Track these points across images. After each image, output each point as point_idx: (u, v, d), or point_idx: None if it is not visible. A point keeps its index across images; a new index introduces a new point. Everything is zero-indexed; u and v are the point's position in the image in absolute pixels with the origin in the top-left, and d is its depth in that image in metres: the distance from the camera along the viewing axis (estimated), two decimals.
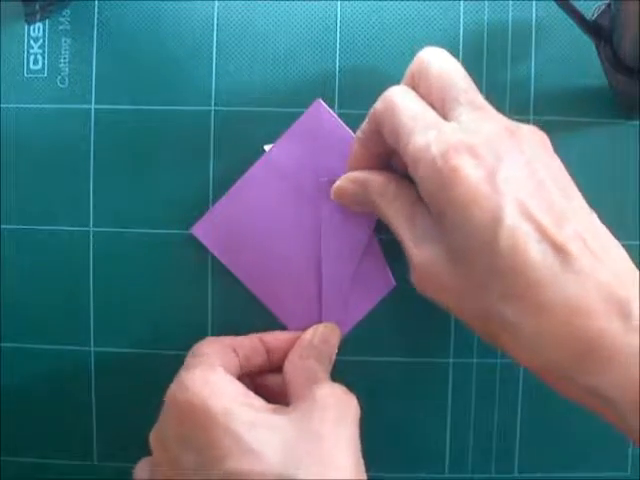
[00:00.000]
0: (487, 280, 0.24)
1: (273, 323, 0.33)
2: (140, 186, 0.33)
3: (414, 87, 0.28)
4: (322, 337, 0.31)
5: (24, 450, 0.34)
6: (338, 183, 0.30)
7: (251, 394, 0.28)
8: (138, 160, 0.33)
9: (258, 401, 0.27)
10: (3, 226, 0.33)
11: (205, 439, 0.25)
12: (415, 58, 0.28)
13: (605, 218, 0.33)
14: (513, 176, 0.24)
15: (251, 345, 0.31)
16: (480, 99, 0.27)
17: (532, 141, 0.26)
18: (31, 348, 0.34)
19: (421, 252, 0.26)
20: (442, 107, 0.27)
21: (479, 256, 0.24)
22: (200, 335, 0.31)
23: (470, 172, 0.24)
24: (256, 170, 0.32)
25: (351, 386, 0.32)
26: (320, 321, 0.32)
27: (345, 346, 0.32)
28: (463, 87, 0.27)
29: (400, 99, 0.27)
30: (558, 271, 0.23)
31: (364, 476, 0.26)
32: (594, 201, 0.33)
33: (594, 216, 0.25)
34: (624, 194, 0.33)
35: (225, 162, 0.33)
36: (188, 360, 0.29)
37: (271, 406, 0.27)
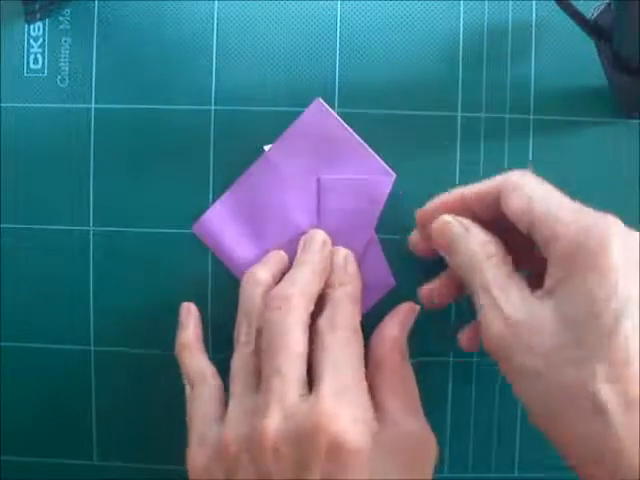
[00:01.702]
0: (592, 354, 0.23)
1: None
2: (140, 186, 0.33)
3: (489, 199, 0.28)
4: (411, 320, 0.31)
5: (24, 450, 0.34)
6: (446, 217, 0.29)
7: (373, 422, 0.27)
8: (138, 160, 0.33)
9: (375, 426, 0.27)
10: (3, 226, 0.33)
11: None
12: (502, 181, 0.28)
13: None
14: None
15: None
16: None
17: None
18: (31, 348, 0.34)
19: (515, 312, 0.25)
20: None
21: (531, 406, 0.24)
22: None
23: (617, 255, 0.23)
24: (256, 169, 0.32)
25: None
26: None
27: None
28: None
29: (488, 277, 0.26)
30: (589, 416, 0.22)
31: None
32: (594, 201, 0.33)
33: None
34: (624, 194, 0.33)
35: (225, 162, 0.33)
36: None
37: (378, 433, 0.27)
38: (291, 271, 0.30)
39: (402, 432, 0.27)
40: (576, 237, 0.24)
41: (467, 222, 0.28)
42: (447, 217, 0.29)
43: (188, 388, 0.30)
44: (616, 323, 0.23)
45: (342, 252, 0.31)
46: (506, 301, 0.25)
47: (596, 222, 0.25)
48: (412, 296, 0.31)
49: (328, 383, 0.26)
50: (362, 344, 0.29)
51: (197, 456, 0.28)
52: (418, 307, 0.31)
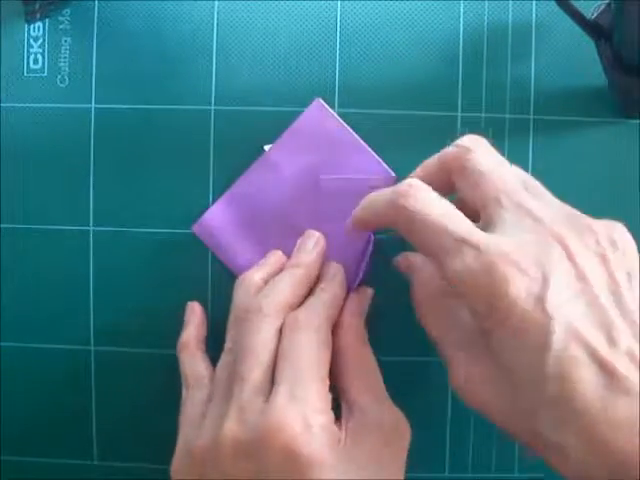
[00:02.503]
0: (537, 406, 0.23)
1: None
2: (140, 186, 0.33)
3: (443, 175, 0.27)
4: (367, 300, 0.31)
5: (24, 450, 0.34)
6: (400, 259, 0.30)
7: (330, 426, 0.27)
8: (138, 160, 0.33)
9: (334, 431, 0.27)
10: (3, 226, 0.33)
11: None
12: (454, 148, 0.27)
13: (605, 218, 0.33)
14: (563, 296, 0.23)
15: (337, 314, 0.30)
16: (529, 201, 0.25)
17: (597, 238, 0.24)
18: (31, 348, 0.34)
19: (462, 363, 0.26)
20: (481, 207, 0.26)
21: (528, 382, 0.23)
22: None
23: (518, 296, 0.23)
24: (256, 169, 0.33)
25: None
26: None
27: None
28: (507, 185, 0.25)
29: (418, 207, 0.25)
30: (607, 395, 0.22)
31: None
32: (594, 201, 0.33)
33: None
34: (624, 194, 0.33)
35: (225, 162, 0.33)
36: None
37: (338, 432, 0.27)
38: (275, 277, 0.30)
39: (370, 420, 0.27)
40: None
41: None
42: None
43: (184, 390, 0.30)
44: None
45: (334, 266, 0.31)
46: (457, 364, 0.26)
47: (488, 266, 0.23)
48: (410, 298, 0.31)
49: (283, 388, 0.26)
50: (328, 347, 0.28)
51: (176, 460, 0.28)
52: (370, 291, 0.31)
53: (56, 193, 0.33)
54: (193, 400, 0.29)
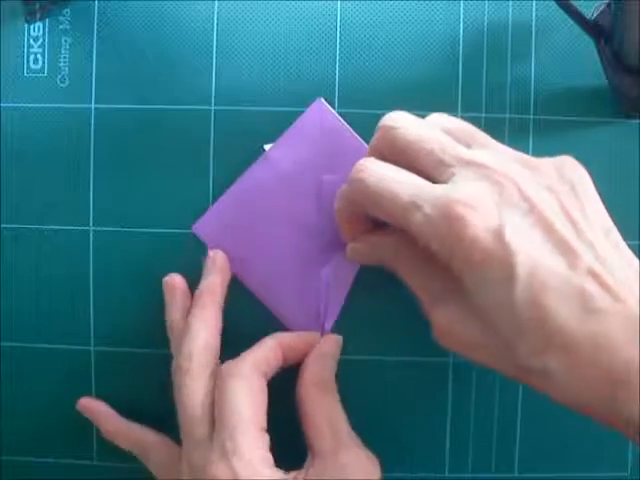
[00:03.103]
0: (512, 336, 0.24)
1: (272, 322, 0.33)
2: (140, 186, 0.33)
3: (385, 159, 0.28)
4: (334, 353, 0.31)
5: (24, 450, 0.34)
6: (352, 245, 0.30)
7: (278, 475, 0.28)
8: (138, 160, 0.33)
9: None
10: (3, 226, 0.33)
11: None
12: (376, 131, 0.28)
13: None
14: (519, 228, 0.24)
15: (275, 358, 0.30)
16: (463, 151, 0.26)
17: (545, 174, 0.25)
18: (31, 348, 0.34)
19: (443, 315, 0.26)
20: (427, 175, 0.26)
21: (501, 314, 0.24)
22: None
23: (476, 235, 0.24)
24: (257, 168, 0.33)
25: (351, 386, 0.32)
26: (319, 320, 0.32)
27: (345, 346, 0.32)
28: (443, 146, 0.26)
29: (371, 177, 0.27)
30: (579, 313, 0.23)
31: None
32: None
33: (612, 238, 0.25)
34: (624, 194, 0.33)
35: (225, 162, 0.33)
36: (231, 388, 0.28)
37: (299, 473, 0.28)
38: (188, 320, 0.31)
39: (331, 466, 0.28)
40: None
41: (366, 237, 0.30)
42: (351, 245, 0.30)
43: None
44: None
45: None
46: (434, 307, 0.27)
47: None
48: (412, 296, 0.31)
49: (216, 443, 0.27)
50: (261, 391, 0.29)
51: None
52: (337, 338, 0.32)
53: (56, 193, 0.33)
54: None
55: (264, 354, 0.30)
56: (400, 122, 0.27)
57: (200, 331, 0.30)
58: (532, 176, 0.25)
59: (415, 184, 0.26)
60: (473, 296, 0.25)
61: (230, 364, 0.29)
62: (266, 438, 0.28)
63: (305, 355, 0.31)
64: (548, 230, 0.24)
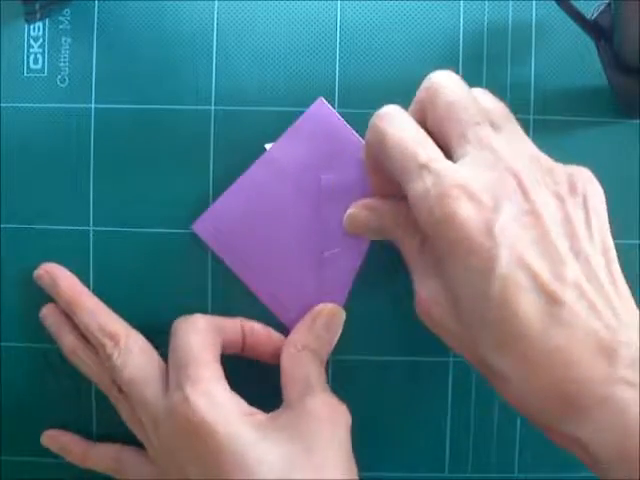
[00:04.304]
0: (480, 329, 0.24)
1: (272, 322, 0.33)
2: (140, 186, 0.33)
3: (421, 114, 0.27)
4: (324, 322, 0.31)
5: (24, 450, 0.34)
6: (351, 210, 0.30)
7: (251, 409, 0.29)
8: (138, 160, 0.33)
9: (255, 415, 0.28)
10: (3, 226, 0.33)
11: (210, 458, 0.27)
12: (424, 82, 0.28)
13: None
14: (512, 225, 0.23)
15: (233, 331, 0.31)
16: (486, 133, 0.25)
17: (558, 180, 0.25)
18: (31, 348, 0.34)
19: (425, 289, 0.26)
20: (449, 141, 0.26)
21: (473, 304, 0.24)
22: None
23: (466, 221, 0.23)
24: (257, 168, 0.32)
25: (351, 386, 0.32)
26: None
27: (345, 346, 0.32)
28: (473, 120, 0.26)
29: (391, 128, 0.27)
30: (547, 322, 0.22)
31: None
32: None
33: (609, 257, 0.25)
34: (624, 194, 0.33)
35: (225, 162, 0.33)
36: (180, 349, 0.29)
37: (266, 418, 0.28)
38: None
39: (297, 413, 0.28)
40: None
41: (367, 202, 0.30)
42: (350, 211, 0.30)
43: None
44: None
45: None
46: (419, 282, 0.27)
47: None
48: (412, 296, 0.31)
49: (170, 383, 0.29)
50: (211, 336, 0.30)
51: None
52: (336, 310, 0.32)
53: (56, 193, 0.33)
54: None
55: (222, 320, 0.31)
56: (448, 83, 0.27)
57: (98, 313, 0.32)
58: (543, 178, 0.25)
59: (429, 151, 0.26)
60: (451, 279, 0.25)
61: (182, 317, 0.30)
62: (220, 369, 0.29)
63: (268, 350, 0.32)
64: (542, 234, 0.23)
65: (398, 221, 0.28)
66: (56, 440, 0.33)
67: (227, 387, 0.29)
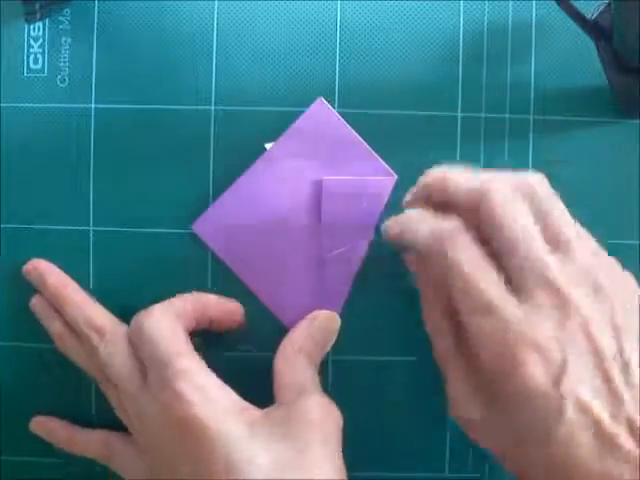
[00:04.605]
0: (536, 459, 0.25)
1: (272, 322, 0.33)
2: (140, 186, 0.33)
3: (468, 215, 0.27)
4: (320, 326, 0.32)
5: (24, 450, 0.34)
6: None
7: (244, 404, 0.29)
8: (138, 160, 0.33)
9: (248, 410, 0.28)
10: (3, 226, 0.33)
11: (200, 455, 0.27)
12: (483, 194, 0.26)
13: (605, 218, 0.33)
14: (579, 374, 0.24)
15: (189, 306, 0.31)
16: (545, 263, 0.25)
17: (614, 307, 0.25)
18: (31, 348, 0.34)
19: (470, 412, 0.27)
20: (510, 272, 0.26)
21: (533, 441, 0.24)
22: (200, 333, 0.31)
23: (535, 372, 0.24)
24: (257, 168, 0.32)
25: (351, 386, 0.32)
26: None
27: (345, 346, 0.32)
28: (534, 254, 0.25)
29: (457, 257, 0.26)
30: (605, 460, 0.23)
31: None
32: (594, 201, 0.33)
33: None
34: (624, 194, 0.33)
35: (225, 162, 0.33)
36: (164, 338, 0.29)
37: (258, 415, 0.28)
38: None
39: (292, 411, 0.28)
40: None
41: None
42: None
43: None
44: None
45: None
46: (465, 402, 0.27)
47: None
48: (412, 296, 0.31)
49: (149, 375, 0.29)
50: (173, 321, 0.30)
51: None
52: (332, 315, 0.32)
53: (56, 193, 0.33)
54: None
55: (172, 301, 0.31)
56: (510, 206, 0.26)
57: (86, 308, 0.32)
58: (601, 311, 0.25)
59: (493, 288, 0.25)
60: (510, 415, 0.25)
61: (139, 313, 0.30)
62: (200, 358, 0.29)
63: (225, 320, 0.32)
64: (604, 377, 0.24)
65: (445, 341, 0.29)
66: (44, 426, 0.33)
67: (217, 379, 0.29)
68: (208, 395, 0.28)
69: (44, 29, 0.33)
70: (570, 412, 0.24)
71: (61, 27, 0.33)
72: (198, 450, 0.27)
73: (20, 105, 0.33)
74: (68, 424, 0.33)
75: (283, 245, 0.33)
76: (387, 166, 0.32)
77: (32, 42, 0.33)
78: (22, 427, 0.34)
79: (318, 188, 0.32)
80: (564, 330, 0.25)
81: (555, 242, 0.26)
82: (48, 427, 0.33)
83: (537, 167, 0.33)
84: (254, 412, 0.29)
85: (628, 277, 0.27)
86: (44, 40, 0.33)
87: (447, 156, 0.33)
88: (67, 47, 0.33)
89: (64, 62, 0.33)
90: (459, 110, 0.33)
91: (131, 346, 0.30)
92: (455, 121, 0.33)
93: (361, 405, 0.33)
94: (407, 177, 0.32)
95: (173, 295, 0.33)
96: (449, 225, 0.26)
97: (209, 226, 0.33)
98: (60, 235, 0.33)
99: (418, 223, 0.27)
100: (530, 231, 0.26)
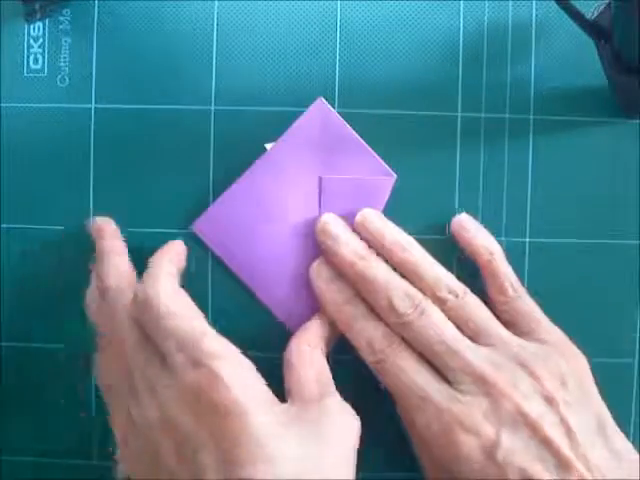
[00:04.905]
0: None
1: (272, 321, 0.33)
2: (140, 186, 0.33)
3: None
4: (328, 328, 0.32)
5: (24, 450, 0.34)
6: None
7: (274, 397, 0.28)
8: (138, 160, 0.33)
9: (277, 404, 0.28)
10: (3, 225, 0.33)
11: (231, 440, 0.25)
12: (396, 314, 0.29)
13: (605, 218, 0.33)
14: (514, 446, 0.27)
15: (177, 266, 0.31)
16: (468, 357, 0.28)
17: (547, 382, 0.28)
18: (31, 348, 0.34)
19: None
20: (438, 366, 0.29)
21: None
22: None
23: (471, 452, 0.27)
24: (257, 168, 0.32)
25: (351, 386, 0.32)
26: None
27: (345, 346, 0.32)
28: (452, 350, 0.28)
29: (392, 371, 0.29)
30: None
31: None
32: (594, 201, 0.33)
33: (608, 434, 0.28)
34: (624, 194, 0.33)
35: (225, 162, 0.33)
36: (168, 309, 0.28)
37: (288, 409, 0.28)
38: None
39: (314, 408, 0.28)
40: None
41: None
42: None
43: None
44: None
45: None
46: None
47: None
48: None
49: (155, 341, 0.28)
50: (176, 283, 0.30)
51: None
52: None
53: (56, 193, 0.33)
54: None
55: (163, 264, 0.30)
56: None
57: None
58: (533, 386, 0.28)
59: (427, 383, 0.29)
60: None
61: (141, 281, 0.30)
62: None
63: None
64: (545, 443, 0.27)
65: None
66: (99, 228, 0.33)
67: (249, 362, 0.28)
68: (246, 382, 0.27)
69: (44, 29, 0.33)
70: (513, 477, 0.26)
71: (61, 27, 0.33)
72: (226, 436, 0.25)
73: (20, 105, 0.33)
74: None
75: (283, 245, 0.33)
76: (387, 166, 0.32)
77: (32, 42, 0.33)
78: (22, 427, 0.34)
79: (318, 187, 0.32)
80: (493, 407, 0.27)
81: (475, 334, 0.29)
82: (103, 227, 0.33)
83: (537, 167, 0.33)
84: (283, 405, 0.28)
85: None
86: (44, 40, 0.33)
87: (447, 156, 0.33)
88: (67, 47, 0.33)
89: (64, 62, 0.33)
90: (459, 110, 0.33)
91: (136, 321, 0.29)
92: (455, 121, 0.33)
93: (361, 405, 0.33)
94: (407, 177, 0.33)
95: None
96: (379, 347, 0.30)
97: (209, 226, 0.33)
98: (60, 235, 0.33)
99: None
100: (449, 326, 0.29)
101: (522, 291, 0.31)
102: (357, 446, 0.28)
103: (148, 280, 0.29)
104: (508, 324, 0.30)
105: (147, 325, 0.28)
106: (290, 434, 0.26)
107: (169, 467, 0.26)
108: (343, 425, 0.28)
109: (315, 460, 0.26)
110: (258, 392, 0.27)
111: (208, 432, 0.26)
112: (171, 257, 0.31)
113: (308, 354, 0.30)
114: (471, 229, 0.32)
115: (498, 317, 0.30)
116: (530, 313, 0.31)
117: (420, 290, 0.30)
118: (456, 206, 0.33)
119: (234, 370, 0.27)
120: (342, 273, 0.31)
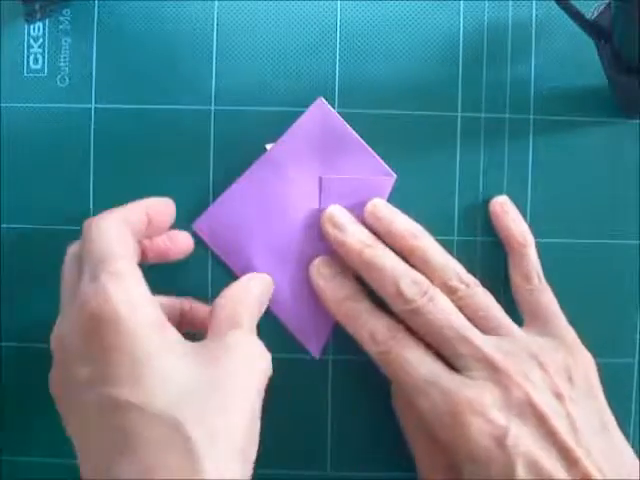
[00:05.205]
0: None
1: (271, 321, 0.33)
2: (140, 186, 0.33)
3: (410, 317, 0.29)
4: (260, 285, 0.30)
5: (24, 450, 0.34)
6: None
7: (167, 323, 0.26)
8: (138, 160, 0.33)
9: (172, 332, 0.26)
10: (3, 225, 0.33)
11: (107, 357, 0.24)
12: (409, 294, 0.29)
13: (605, 218, 0.33)
14: (522, 434, 0.26)
15: (140, 219, 0.29)
16: (479, 343, 0.28)
17: (556, 376, 0.28)
18: (31, 348, 0.34)
19: (437, 476, 0.30)
20: (447, 354, 0.29)
21: None
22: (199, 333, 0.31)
23: (480, 436, 0.26)
24: (257, 167, 0.33)
25: (351, 386, 0.32)
26: (319, 320, 0.33)
27: (345, 346, 0.32)
28: (461, 336, 0.28)
29: (394, 357, 0.29)
30: None
31: (254, 438, 0.25)
32: (594, 201, 0.33)
33: (609, 432, 0.28)
34: (624, 194, 0.33)
35: (225, 162, 0.33)
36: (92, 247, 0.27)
37: (181, 340, 0.26)
38: None
39: (215, 344, 0.26)
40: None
41: None
42: None
43: None
44: None
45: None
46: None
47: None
48: None
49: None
50: (120, 225, 0.28)
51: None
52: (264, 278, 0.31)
53: (56, 193, 0.33)
54: None
55: (123, 209, 0.29)
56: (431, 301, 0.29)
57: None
58: (542, 379, 0.28)
59: (433, 370, 0.28)
60: (469, 477, 0.27)
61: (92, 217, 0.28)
62: (139, 269, 0.27)
63: (164, 216, 0.31)
64: (551, 434, 0.26)
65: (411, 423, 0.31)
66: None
67: (150, 294, 0.26)
68: (134, 300, 0.25)
69: (44, 29, 0.33)
70: (521, 469, 0.26)
71: (61, 27, 0.33)
72: (103, 350, 0.24)
73: (20, 105, 0.33)
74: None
75: (283, 245, 0.33)
76: (387, 166, 0.32)
77: (32, 42, 0.33)
78: (23, 427, 0.34)
79: (318, 188, 0.32)
80: (503, 395, 0.27)
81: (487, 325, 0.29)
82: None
83: (537, 167, 0.33)
84: (180, 337, 0.26)
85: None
86: (44, 40, 0.33)
87: (447, 156, 0.33)
88: (67, 47, 0.33)
89: (64, 62, 0.33)
90: (459, 110, 0.33)
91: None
92: (455, 121, 0.33)
93: (361, 405, 0.33)
94: (407, 177, 0.33)
95: (172, 294, 0.33)
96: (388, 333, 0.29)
97: (209, 226, 0.33)
98: (60, 235, 0.33)
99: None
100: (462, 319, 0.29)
101: (546, 286, 0.31)
102: (262, 389, 0.26)
103: (99, 216, 0.28)
104: (527, 314, 0.31)
105: (81, 252, 0.28)
106: (179, 362, 0.24)
107: (59, 383, 0.26)
108: (245, 361, 0.26)
109: (200, 393, 0.24)
110: (148, 314, 0.25)
111: (87, 347, 0.25)
112: (140, 209, 0.30)
113: (235, 295, 0.29)
114: (511, 211, 0.32)
115: (518, 306, 0.31)
116: (551, 307, 0.31)
117: (430, 278, 0.29)
118: (456, 206, 0.33)
119: (127, 288, 0.25)
120: (348, 263, 0.30)
